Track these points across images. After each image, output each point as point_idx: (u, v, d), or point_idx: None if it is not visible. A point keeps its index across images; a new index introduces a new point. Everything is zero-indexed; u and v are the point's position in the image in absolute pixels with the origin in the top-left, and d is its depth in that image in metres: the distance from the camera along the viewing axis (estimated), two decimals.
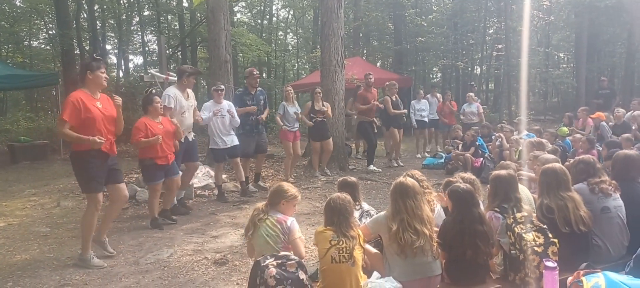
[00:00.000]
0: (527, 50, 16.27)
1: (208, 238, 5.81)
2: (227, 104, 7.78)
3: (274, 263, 3.16)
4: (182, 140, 6.70)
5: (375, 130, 10.35)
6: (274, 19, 32.79)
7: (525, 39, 16.46)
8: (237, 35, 18.50)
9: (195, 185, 8.13)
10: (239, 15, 29.53)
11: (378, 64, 27.64)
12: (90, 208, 4.88)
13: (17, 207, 7.71)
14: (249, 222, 3.64)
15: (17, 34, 23.07)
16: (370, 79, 10.25)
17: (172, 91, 6.71)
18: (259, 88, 8.54)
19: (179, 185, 6.65)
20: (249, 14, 31.61)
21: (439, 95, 13.58)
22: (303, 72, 31.80)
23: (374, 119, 10.28)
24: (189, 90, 7.01)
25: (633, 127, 9.40)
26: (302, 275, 3.17)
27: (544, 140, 7.40)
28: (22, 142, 13.58)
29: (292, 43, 35.24)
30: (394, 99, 10.59)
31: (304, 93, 18.74)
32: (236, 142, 7.83)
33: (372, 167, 10.17)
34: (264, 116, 8.42)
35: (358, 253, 3.32)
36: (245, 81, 8.52)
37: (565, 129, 9.79)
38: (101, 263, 4.90)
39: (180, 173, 6.61)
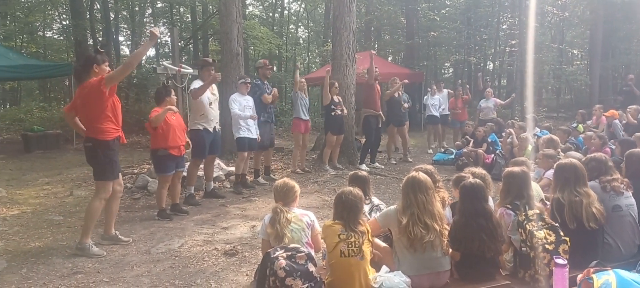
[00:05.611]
0: (532, 45, 16.06)
1: (218, 229, 5.85)
2: (249, 98, 7.95)
3: (284, 255, 3.18)
4: (211, 130, 6.98)
5: (380, 125, 10.06)
6: (286, 12, 32.78)
7: (531, 34, 16.24)
8: (248, 28, 18.52)
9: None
10: (250, 8, 29.56)
11: (389, 59, 27.55)
12: (100, 195, 4.95)
13: (30, 196, 7.83)
14: (276, 218, 3.56)
15: (31, 24, 23.29)
16: (376, 72, 10.02)
17: (200, 83, 6.92)
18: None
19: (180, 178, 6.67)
20: (261, 7, 31.62)
21: (446, 90, 13.32)
22: (313, 65, 31.81)
23: (380, 113, 9.98)
24: (213, 85, 7.19)
25: None
26: (312, 268, 3.18)
27: (555, 137, 7.34)
28: (36, 132, 13.75)
29: (303, 36, 35.24)
30: (396, 95, 10.50)
31: (314, 86, 18.74)
32: (257, 135, 7.97)
33: (376, 164, 10.03)
34: (271, 98, 8.50)
35: (367, 248, 3.33)
36: (258, 71, 8.67)
37: (581, 126, 9.71)
38: (100, 252, 4.95)
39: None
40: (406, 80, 10.69)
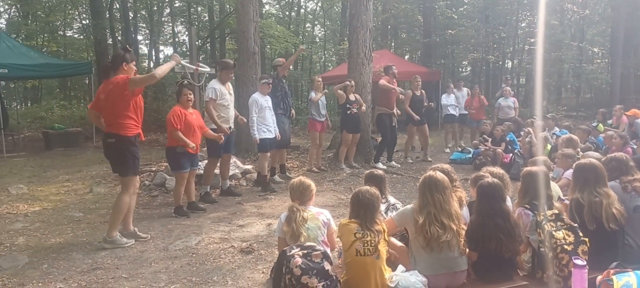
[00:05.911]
0: (542, 40, 15.82)
1: (234, 227, 5.89)
2: (269, 99, 8.03)
3: (300, 253, 3.19)
4: (227, 132, 7.03)
5: (394, 124, 9.92)
6: (302, 10, 32.85)
7: (540, 28, 16.00)
8: (265, 27, 18.57)
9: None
10: (267, 7, 29.65)
11: (406, 57, 27.41)
12: (128, 190, 5.10)
13: (51, 192, 7.97)
14: (292, 216, 3.61)
15: (52, 24, 23.67)
16: (394, 70, 9.93)
17: (216, 85, 6.99)
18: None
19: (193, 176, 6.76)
20: (277, 5, 31.71)
21: (465, 89, 13.18)
22: (330, 64, 31.81)
23: (394, 111, 9.81)
24: (229, 84, 7.29)
25: None
26: (327, 266, 3.19)
27: (575, 137, 7.23)
28: (56, 129, 13.98)
29: (320, 35, 35.25)
30: (418, 93, 10.42)
31: (330, 85, 18.74)
32: (275, 133, 8.02)
33: (393, 163, 9.99)
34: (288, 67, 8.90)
35: (383, 247, 3.33)
36: (278, 68, 8.78)
37: (601, 126, 9.56)
38: (129, 240, 5.12)
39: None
40: (417, 116, 10.53)
